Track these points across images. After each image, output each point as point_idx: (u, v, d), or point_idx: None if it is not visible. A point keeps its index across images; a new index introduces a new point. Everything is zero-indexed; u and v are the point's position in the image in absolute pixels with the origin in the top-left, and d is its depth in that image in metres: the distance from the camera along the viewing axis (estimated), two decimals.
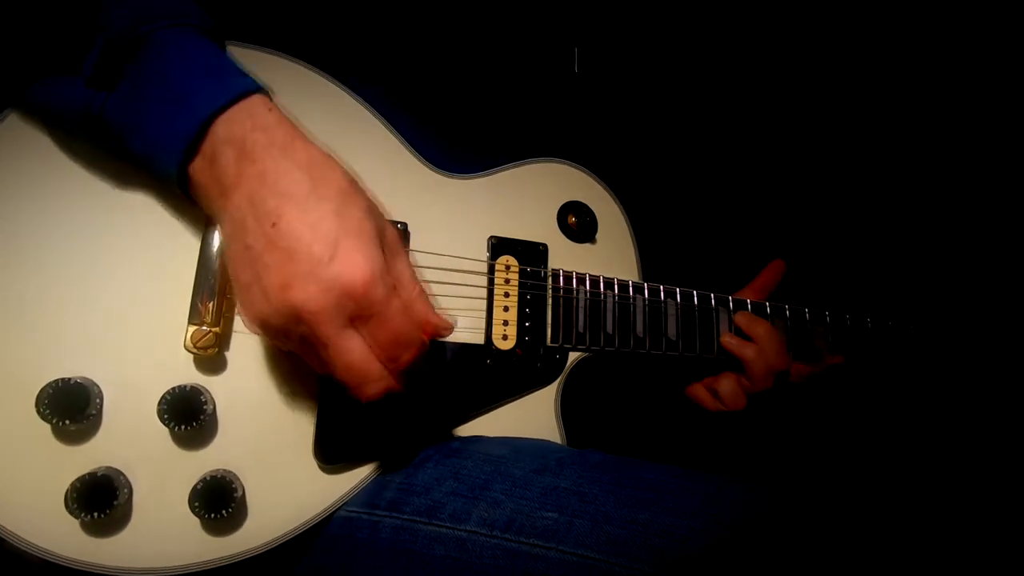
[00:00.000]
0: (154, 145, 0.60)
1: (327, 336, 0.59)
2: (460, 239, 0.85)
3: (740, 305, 1.01)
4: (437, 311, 0.66)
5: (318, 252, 0.57)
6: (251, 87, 0.61)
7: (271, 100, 0.63)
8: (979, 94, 1.46)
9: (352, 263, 0.57)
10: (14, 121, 0.66)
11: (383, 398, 0.63)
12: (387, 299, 0.60)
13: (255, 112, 0.60)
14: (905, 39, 1.46)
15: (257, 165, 0.58)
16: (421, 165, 0.84)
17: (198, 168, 0.60)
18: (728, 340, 0.98)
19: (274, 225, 0.57)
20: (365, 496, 0.75)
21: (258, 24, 0.77)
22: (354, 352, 0.60)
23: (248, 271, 0.59)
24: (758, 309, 1.02)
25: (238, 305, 0.62)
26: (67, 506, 0.61)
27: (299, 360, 0.73)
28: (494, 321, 0.85)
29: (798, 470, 1.26)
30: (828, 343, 1.07)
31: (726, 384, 1.00)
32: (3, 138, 0.65)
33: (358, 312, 0.59)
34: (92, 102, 0.60)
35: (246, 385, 0.71)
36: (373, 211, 0.63)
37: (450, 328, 0.67)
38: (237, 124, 0.59)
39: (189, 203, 0.68)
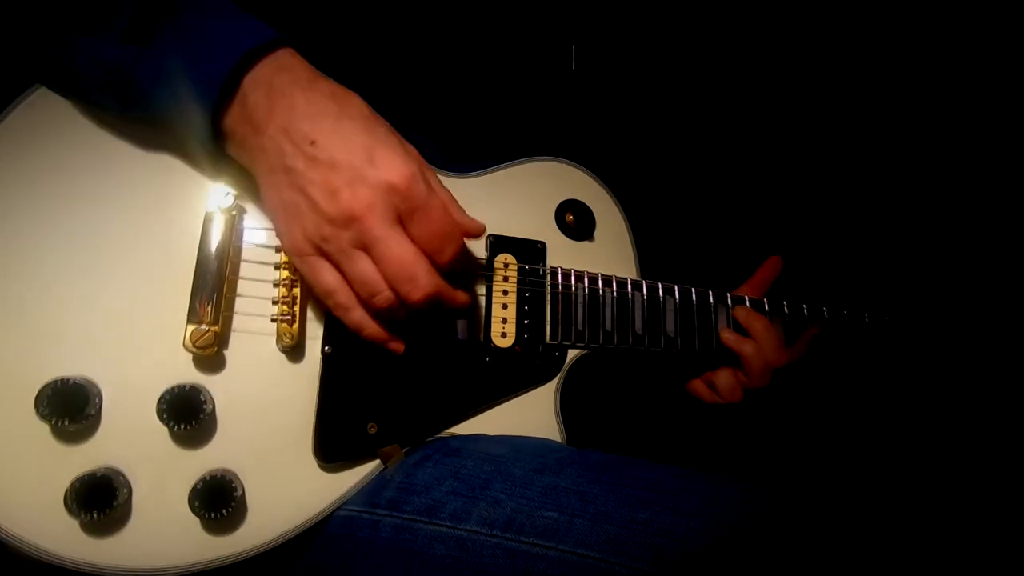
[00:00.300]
0: (187, 93, 0.62)
1: (377, 232, 0.62)
2: None
3: (738, 302, 1.01)
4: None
5: (359, 159, 0.62)
6: (280, 37, 0.65)
7: (295, 51, 0.66)
8: (977, 91, 1.46)
9: (392, 164, 0.63)
10: (13, 122, 0.65)
11: (433, 299, 0.66)
12: (428, 194, 0.65)
13: (279, 57, 0.64)
14: (901, 37, 1.46)
15: (287, 98, 0.62)
16: None
17: (230, 113, 0.63)
18: (727, 336, 0.98)
19: (313, 143, 0.62)
20: (365, 495, 0.75)
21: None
22: (403, 246, 0.64)
23: (293, 192, 0.63)
24: (756, 306, 1.02)
25: (280, 232, 0.66)
26: (67, 506, 0.61)
27: (297, 360, 0.73)
28: (493, 319, 0.85)
29: (798, 470, 1.26)
30: (826, 339, 1.07)
31: (723, 378, 1.02)
32: (2, 139, 0.65)
33: (404, 206, 0.64)
34: (126, 57, 0.62)
35: (245, 384, 0.71)
36: (394, 130, 0.67)
37: (482, 228, 0.73)
38: (263, 67, 0.63)
39: (186, 202, 0.69)
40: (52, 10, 0.62)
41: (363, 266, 0.65)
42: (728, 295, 1.01)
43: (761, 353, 0.97)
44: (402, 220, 0.64)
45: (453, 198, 0.71)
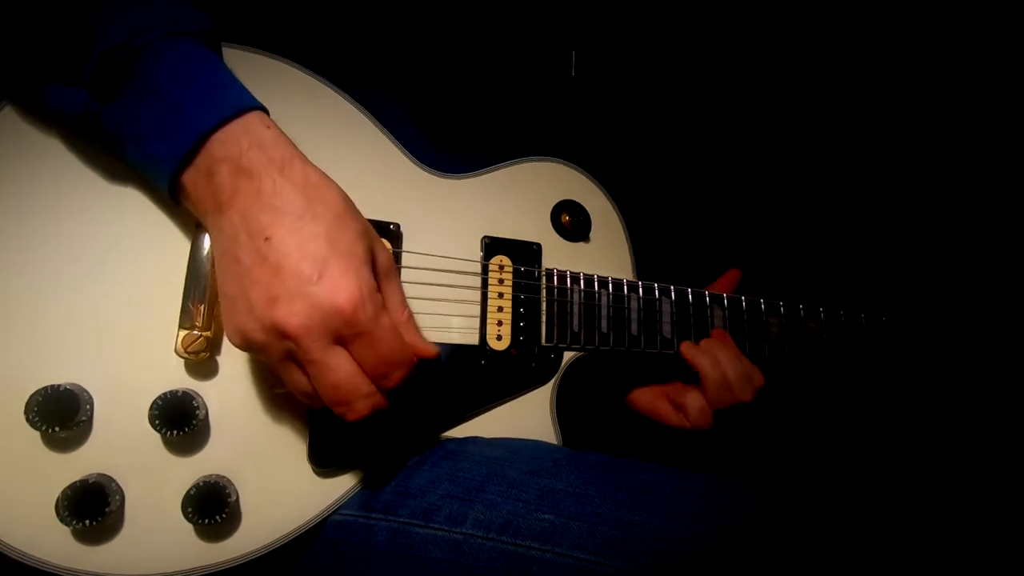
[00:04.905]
0: (148, 157, 0.61)
1: (312, 353, 0.58)
2: (453, 239, 0.85)
3: (735, 302, 1.01)
4: (424, 335, 0.66)
5: (307, 270, 0.57)
6: (247, 104, 0.61)
7: (268, 117, 0.63)
8: (976, 91, 1.46)
9: (339, 284, 0.58)
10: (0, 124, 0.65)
11: (370, 416, 0.63)
12: (375, 319, 0.60)
13: (252, 129, 0.60)
14: (899, 37, 1.46)
15: (254, 182, 0.58)
16: (414, 165, 0.84)
17: (191, 180, 0.60)
18: (686, 348, 0.95)
19: (267, 240, 0.57)
20: (360, 499, 0.75)
21: (248, 24, 0.76)
22: (340, 370, 0.59)
23: (235, 284, 0.59)
24: (752, 306, 1.02)
25: (222, 317, 0.62)
26: (58, 514, 0.60)
27: None
28: (488, 321, 0.85)
29: (795, 471, 1.26)
30: (822, 339, 1.07)
31: (693, 399, 0.94)
32: None
33: (347, 331, 0.59)
34: (89, 109, 0.59)
35: (238, 389, 0.70)
36: (366, 235, 0.63)
37: (436, 352, 0.68)
38: (233, 142, 0.59)
39: (179, 208, 0.68)
40: (20, 53, 0.59)
41: (296, 378, 0.61)
42: (724, 296, 1.01)
43: (719, 367, 0.93)
44: (344, 341, 0.59)
45: (410, 319, 0.67)
